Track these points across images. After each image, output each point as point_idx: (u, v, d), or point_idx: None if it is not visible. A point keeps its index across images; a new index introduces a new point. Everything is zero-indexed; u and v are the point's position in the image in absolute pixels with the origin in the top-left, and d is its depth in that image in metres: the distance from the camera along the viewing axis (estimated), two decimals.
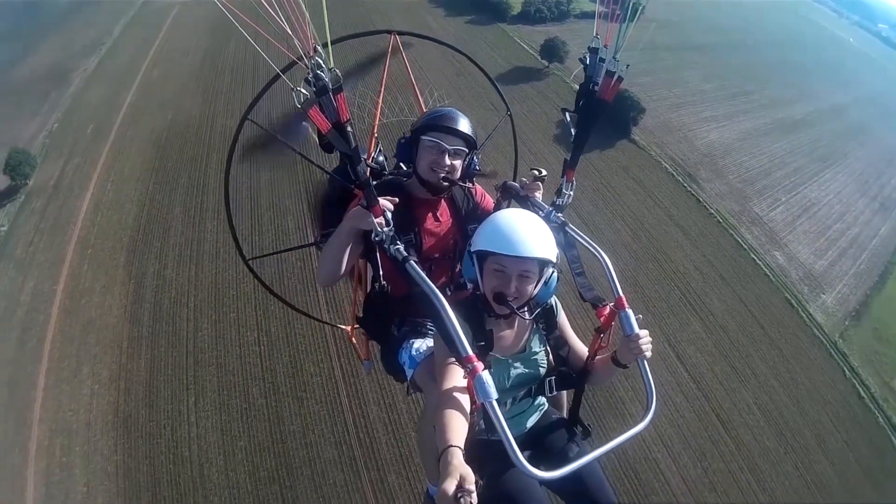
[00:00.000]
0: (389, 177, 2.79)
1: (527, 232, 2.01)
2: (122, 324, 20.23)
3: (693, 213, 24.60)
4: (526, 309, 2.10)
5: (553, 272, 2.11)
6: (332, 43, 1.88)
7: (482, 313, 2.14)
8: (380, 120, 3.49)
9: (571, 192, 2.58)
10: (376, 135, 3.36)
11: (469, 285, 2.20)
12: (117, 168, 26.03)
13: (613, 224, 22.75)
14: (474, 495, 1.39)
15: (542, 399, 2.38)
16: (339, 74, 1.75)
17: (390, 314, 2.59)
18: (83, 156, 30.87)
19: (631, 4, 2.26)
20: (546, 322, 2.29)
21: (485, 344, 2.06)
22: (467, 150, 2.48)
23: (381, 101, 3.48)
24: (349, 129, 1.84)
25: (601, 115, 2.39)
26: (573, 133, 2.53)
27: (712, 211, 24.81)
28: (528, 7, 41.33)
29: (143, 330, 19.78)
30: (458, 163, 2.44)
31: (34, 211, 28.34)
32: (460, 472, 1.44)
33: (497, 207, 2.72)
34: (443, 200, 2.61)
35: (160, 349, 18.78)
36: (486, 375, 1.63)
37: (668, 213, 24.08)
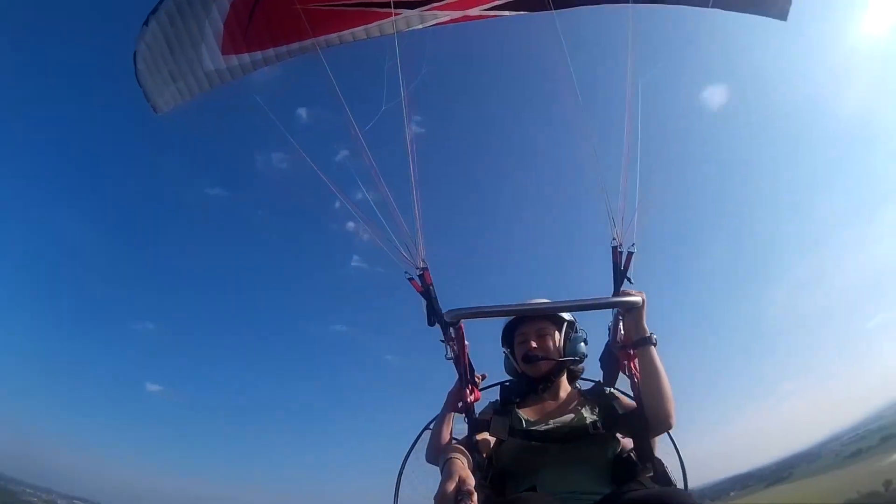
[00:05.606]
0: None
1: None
2: None
3: None
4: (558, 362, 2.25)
5: (573, 332, 2.37)
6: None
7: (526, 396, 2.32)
8: None
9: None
10: None
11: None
12: None
13: None
14: (475, 497, 1.39)
15: None
16: (426, 267, 2.61)
17: None
18: None
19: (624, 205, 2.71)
20: (601, 403, 2.22)
21: (512, 400, 2.29)
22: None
23: None
24: (430, 285, 2.58)
25: (619, 284, 2.55)
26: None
27: None
28: None
29: None
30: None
31: None
32: (460, 474, 1.48)
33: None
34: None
35: None
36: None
37: None
